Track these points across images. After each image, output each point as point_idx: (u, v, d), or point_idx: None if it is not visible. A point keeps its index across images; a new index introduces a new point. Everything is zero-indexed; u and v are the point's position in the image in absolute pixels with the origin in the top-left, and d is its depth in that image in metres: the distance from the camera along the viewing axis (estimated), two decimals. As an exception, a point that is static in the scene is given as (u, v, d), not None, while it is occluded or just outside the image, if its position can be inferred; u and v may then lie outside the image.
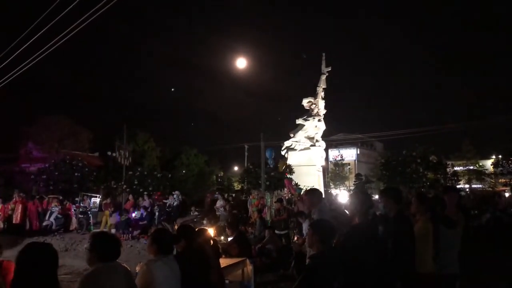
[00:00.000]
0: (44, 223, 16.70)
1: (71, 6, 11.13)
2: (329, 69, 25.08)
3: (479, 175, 34.44)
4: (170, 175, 26.45)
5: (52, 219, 16.71)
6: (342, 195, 19.80)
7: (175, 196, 18.10)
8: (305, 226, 9.32)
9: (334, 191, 27.32)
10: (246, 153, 37.44)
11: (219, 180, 39.10)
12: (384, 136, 36.24)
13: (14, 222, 16.78)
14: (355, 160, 47.75)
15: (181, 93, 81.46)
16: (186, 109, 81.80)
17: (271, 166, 20.46)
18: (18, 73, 13.85)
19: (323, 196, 6.19)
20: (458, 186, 24.13)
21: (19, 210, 16.94)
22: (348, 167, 43.64)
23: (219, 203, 17.76)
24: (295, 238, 9.60)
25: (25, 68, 13.68)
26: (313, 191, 5.26)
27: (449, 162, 27.83)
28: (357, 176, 29.96)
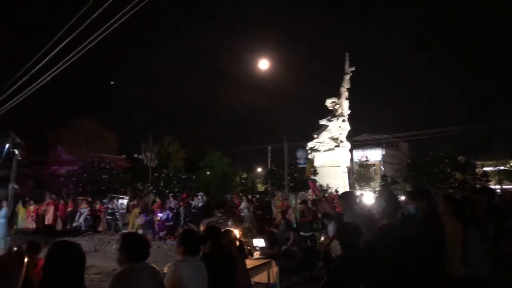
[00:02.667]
0: (74, 224, 17.16)
1: (97, 13, 11.41)
2: (353, 68, 24.85)
3: (510, 175, 33.33)
4: (194, 177, 26.72)
5: (81, 220, 17.14)
6: (368, 196, 19.54)
7: (199, 197, 18.27)
8: (330, 228, 9.26)
9: (359, 192, 26.99)
10: (269, 155, 37.40)
11: (242, 181, 39.23)
12: (410, 136, 35.51)
13: (46, 223, 17.35)
14: (380, 161, 47.05)
15: (205, 95, 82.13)
16: (210, 111, 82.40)
17: (303, 165, 20.29)
18: (48, 78, 14.28)
19: (357, 200, 6.12)
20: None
21: (51, 211, 17.51)
22: (373, 168, 43.07)
23: (243, 204, 17.82)
24: (322, 238, 9.55)
25: (55, 74, 14.10)
26: (347, 194, 5.22)
27: (478, 163, 27.08)
28: (383, 177, 29.53)
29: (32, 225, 17.61)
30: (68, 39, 12.41)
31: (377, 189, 28.33)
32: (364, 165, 39.65)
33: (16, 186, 14.38)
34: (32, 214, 17.84)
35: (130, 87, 73.60)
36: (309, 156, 23.83)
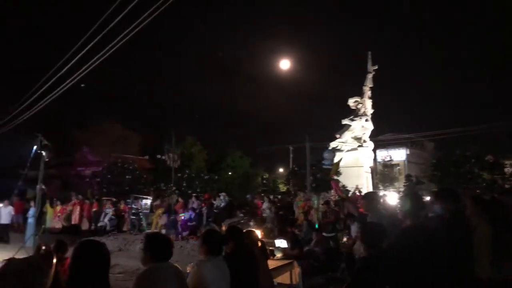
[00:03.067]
0: (99, 224, 17.50)
1: (120, 16, 11.61)
2: (376, 67, 24.54)
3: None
4: (216, 177, 26.90)
5: (106, 220, 17.47)
6: (392, 197, 19.23)
7: (221, 197, 18.36)
8: (353, 229, 9.16)
9: (383, 193, 26.61)
10: (291, 155, 37.25)
11: (264, 182, 39.21)
12: (435, 135, 34.76)
13: (72, 223, 17.77)
14: (404, 161, 46.16)
15: (227, 96, 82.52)
16: (231, 112, 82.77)
17: (329, 167, 20.09)
18: (74, 81, 14.63)
19: (381, 200, 6.03)
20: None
21: (77, 211, 17.92)
22: (398, 168, 42.35)
23: (265, 205, 17.81)
24: (345, 239, 9.46)
25: (80, 77, 14.43)
26: (370, 195, 5.15)
27: (507, 162, 26.28)
28: (407, 177, 28.98)
29: (59, 224, 18.07)
30: (93, 43, 12.71)
31: (401, 189, 27.84)
32: (388, 165, 39.04)
33: (43, 187, 14.81)
34: (58, 214, 18.30)
35: (153, 88, 74.59)
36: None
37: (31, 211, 14.84)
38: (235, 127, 71.08)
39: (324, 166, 19.88)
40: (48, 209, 18.40)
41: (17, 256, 4.67)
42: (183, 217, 16.00)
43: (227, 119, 75.81)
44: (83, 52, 13.31)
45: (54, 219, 18.26)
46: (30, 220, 14.61)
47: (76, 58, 13.73)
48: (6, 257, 3.45)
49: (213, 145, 40.30)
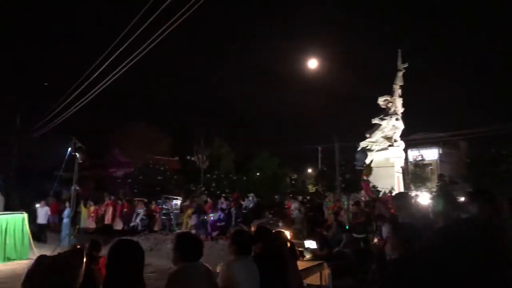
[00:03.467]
0: (131, 224, 17.89)
1: (150, 20, 11.85)
2: (406, 65, 24.05)
3: None
4: (244, 178, 26.98)
5: (138, 220, 17.84)
6: (424, 197, 18.78)
7: (250, 198, 18.43)
8: (385, 230, 8.99)
9: (414, 193, 26.01)
10: (319, 155, 36.96)
11: (292, 182, 39.03)
12: (470, 134, 33.66)
13: (105, 222, 18.25)
14: (437, 160, 44.96)
15: (254, 96, 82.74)
16: (259, 112, 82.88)
17: (361, 167, 19.81)
18: (107, 84, 15.03)
19: (412, 200, 5.89)
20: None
21: (110, 212, 18.38)
22: (430, 167, 41.30)
23: (294, 205, 17.76)
24: (376, 240, 9.30)
25: (112, 80, 14.82)
26: (401, 195, 5.05)
27: (547, 161, 25.17)
28: (440, 177, 28.21)
29: (92, 224, 18.57)
30: (124, 46, 13.02)
31: (434, 189, 27.16)
32: (420, 165, 38.13)
33: (78, 188, 15.30)
34: (92, 214, 18.81)
35: (182, 90, 75.66)
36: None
37: (66, 212, 15.33)
38: (262, 128, 71.11)
39: (357, 168, 19.57)
40: (82, 209, 18.95)
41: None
42: (212, 218, 16.15)
43: (255, 120, 75.97)
44: (114, 55, 13.68)
45: (87, 219, 18.78)
46: (65, 220, 15.10)
47: (108, 62, 14.13)
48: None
49: (241, 146, 40.53)
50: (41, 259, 2.29)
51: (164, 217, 17.95)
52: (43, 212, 16.45)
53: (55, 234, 16.00)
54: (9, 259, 12.19)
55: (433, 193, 21.14)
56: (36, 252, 12.55)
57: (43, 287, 2.15)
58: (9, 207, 19.06)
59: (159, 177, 22.56)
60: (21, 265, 11.82)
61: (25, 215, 13.22)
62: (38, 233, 15.63)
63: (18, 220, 12.84)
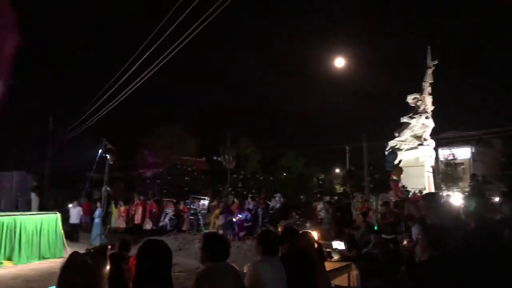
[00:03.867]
0: (160, 224, 18.17)
1: (179, 20, 12.02)
2: (436, 62, 23.51)
3: None
4: (271, 178, 26.98)
5: (166, 220, 18.10)
6: (456, 197, 18.28)
7: (276, 198, 18.40)
8: (414, 231, 8.80)
9: (446, 193, 25.38)
10: (347, 155, 36.52)
11: (320, 182, 38.74)
12: (504, 132, 32.56)
13: (135, 222, 18.60)
14: (469, 159, 43.68)
15: (280, 96, 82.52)
16: (285, 112, 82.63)
17: (391, 170, 19.50)
18: (135, 87, 15.35)
19: (443, 201, 5.75)
20: None
21: (139, 212, 18.72)
22: (462, 167, 40.19)
23: (320, 206, 17.64)
24: (405, 242, 9.10)
25: (140, 82, 15.12)
26: (431, 195, 4.95)
27: None
28: (473, 176, 27.39)
29: (122, 224, 18.96)
30: (152, 48, 13.25)
31: (466, 189, 26.39)
32: (451, 164, 37.18)
33: (108, 188, 15.66)
34: (122, 214, 19.21)
35: (208, 90, 76.35)
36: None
37: (98, 212, 15.72)
38: (289, 128, 70.90)
39: (387, 169, 19.25)
40: (113, 209, 19.39)
41: (85, 254, 4.99)
42: (239, 218, 16.22)
43: (281, 120, 75.78)
44: (143, 58, 13.97)
45: (118, 219, 19.18)
46: (97, 220, 15.48)
47: (136, 65, 14.43)
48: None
49: (267, 146, 40.47)
50: (73, 256, 2.42)
51: (192, 217, 18.14)
52: (75, 212, 16.92)
53: (86, 234, 16.44)
54: (44, 258, 12.61)
55: (465, 193, 20.57)
56: (69, 250, 12.93)
57: (76, 282, 2.31)
58: (43, 207, 19.73)
59: (186, 178, 22.86)
60: (56, 263, 12.20)
61: (59, 215, 13.65)
62: (71, 232, 16.09)
63: (52, 220, 13.27)
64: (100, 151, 12.24)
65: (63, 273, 2.33)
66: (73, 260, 2.40)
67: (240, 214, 16.46)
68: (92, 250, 3.90)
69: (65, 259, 2.44)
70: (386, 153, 23.03)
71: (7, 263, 11.60)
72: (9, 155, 22.76)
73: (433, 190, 21.34)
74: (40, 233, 12.74)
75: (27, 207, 15.97)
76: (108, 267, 3.49)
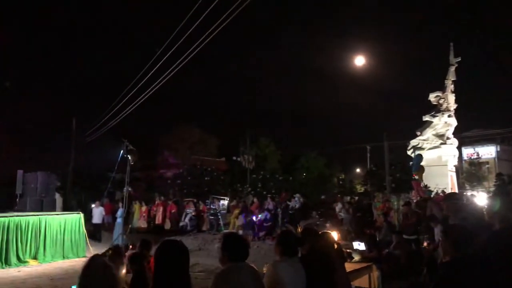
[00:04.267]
0: (180, 224, 18.34)
1: (198, 22, 12.10)
2: (459, 59, 23.04)
3: None
4: (291, 178, 26.89)
5: (187, 220, 18.26)
6: (480, 197, 17.86)
7: (296, 198, 18.33)
8: (437, 232, 8.63)
9: (470, 193, 24.83)
10: (368, 154, 36.11)
11: (340, 182, 38.39)
12: (530, 130, 31.71)
13: (156, 222, 18.82)
14: (494, 158, 42.62)
15: (300, 95, 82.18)
16: (305, 111, 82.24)
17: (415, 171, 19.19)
18: (156, 88, 15.53)
19: (465, 201, 5.64)
20: None
21: (160, 212, 18.95)
22: (487, 166, 39.25)
23: (338, 206, 17.53)
24: (425, 244, 8.95)
25: (161, 83, 15.30)
26: (453, 195, 4.86)
27: None
28: (498, 175, 26.72)
29: (144, 224, 19.21)
30: (172, 50, 13.38)
31: (491, 189, 25.74)
32: (475, 163, 36.35)
33: (130, 189, 15.88)
34: (144, 215, 19.47)
35: (227, 90, 76.67)
36: (410, 154, 22.60)
37: (120, 212, 15.94)
38: (309, 127, 70.54)
39: (413, 172, 18.97)
40: (136, 209, 19.67)
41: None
42: (259, 218, 16.23)
43: (301, 119, 75.45)
44: (162, 60, 14.13)
45: (139, 219, 19.45)
46: (119, 220, 15.69)
47: (157, 66, 14.61)
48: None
49: (287, 145, 40.38)
50: (95, 260, 2.52)
51: (212, 217, 18.25)
52: (98, 212, 17.21)
53: (109, 233, 16.71)
54: (67, 257, 12.88)
55: (490, 193, 20.08)
56: (92, 250, 13.18)
57: (96, 281, 2.42)
58: (67, 207, 20.14)
59: (206, 178, 22.99)
60: (79, 262, 12.45)
61: (81, 215, 13.92)
62: (94, 232, 16.37)
63: (75, 219, 13.54)
64: (121, 152, 12.39)
65: (85, 277, 2.43)
66: (94, 264, 2.48)
67: (259, 214, 16.47)
68: (109, 252, 3.99)
69: (86, 261, 2.52)
70: (410, 153, 22.72)
71: (32, 262, 11.90)
72: (33, 156, 23.33)
73: (456, 190, 20.94)
74: (64, 232, 13.02)
75: (51, 207, 16.28)
76: (124, 268, 3.57)
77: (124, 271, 3.37)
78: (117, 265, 2.67)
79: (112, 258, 3.39)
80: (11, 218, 11.81)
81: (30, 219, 12.23)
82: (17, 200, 16.47)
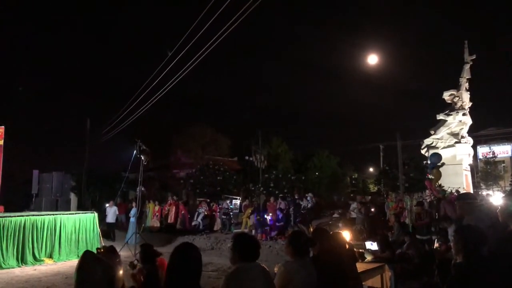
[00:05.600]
0: (193, 223, 18.45)
1: (210, 22, 12.15)
2: (474, 57, 22.72)
3: None
4: (303, 177, 26.79)
5: (199, 219, 18.36)
6: (497, 197, 17.58)
7: (308, 198, 18.27)
8: (450, 232, 8.52)
9: (485, 192, 24.45)
10: (381, 154, 35.83)
11: (353, 182, 38.18)
12: (548, 128, 31.13)
13: (169, 221, 18.96)
14: (510, 157, 41.91)
15: (313, 95, 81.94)
16: (317, 111, 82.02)
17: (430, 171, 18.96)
18: (168, 88, 15.63)
19: (480, 201, 5.56)
20: None
21: (173, 211, 19.08)
22: (503, 165, 38.62)
23: (353, 205, 17.40)
24: (437, 245, 8.84)
25: (173, 84, 15.38)
26: (467, 195, 4.80)
27: None
28: (514, 175, 26.32)
29: (157, 224, 19.37)
30: (184, 50, 13.44)
31: (507, 188, 25.35)
32: (491, 162, 35.80)
33: (143, 189, 16.01)
34: (157, 214, 19.63)
35: (240, 90, 76.82)
36: (423, 153, 22.34)
37: (133, 211, 16.11)
38: (321, 126, 70.32)
39: (429, 170, 18.74)
40: (150, 208, 19.85)
41: (121, 253, 5.14)
42: (270, 217, 16.24)
43: (314, 118, 75.28)
44: (174, 61, 14.21)
45: (152, 218, 19.61)
46: (132, 219, 15.86)
47: (169, 67, 14.70)
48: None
49: (299, 145, 40.31)
50: (85, 252, 2.63)
51: (224, 217, 18.31)
52: (111, 211, 17.41)
53: (122, 233, 16.88)
54: (82, 255, 13.04)
55: (506, 192, 19.75)
56: (106, 249, 13.34)
57: (94, 276, 2.54)
58: (81, 207, 20.39)
59: (219, 177, 23.04)
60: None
61: (96, 214, 14.09)
62: (107, 231, 16.56)
63: (89, 218, 13.72)
64: (135, 152, 12.52)
65: (80, 270, 2.54)
66: (86, 257, 2.56)
67: (271, 214, 16.44)
68: (101, 250, 4.06)
69: (79, 258, 2.62)
70: (424, 152, 22.46)
71: (48, 260, 12.10)
72: (49, 156, 23.70)
73: (471, 189, 20.67)
74: (78, 231, 13.20)
75: (66, 207, 16.52)
76: (121, 268, 3.64)
77: (121, 272, 3.40)
78: (112, 260, 2.75)
79: (106, 256, 3.44)
80: (27, 217, 12.03)
81: (45, 218, 12.42)
82: (33, 199, 16.75)
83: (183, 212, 18.95)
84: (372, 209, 16.46)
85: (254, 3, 10.86)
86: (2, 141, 14.92)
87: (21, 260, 11.52)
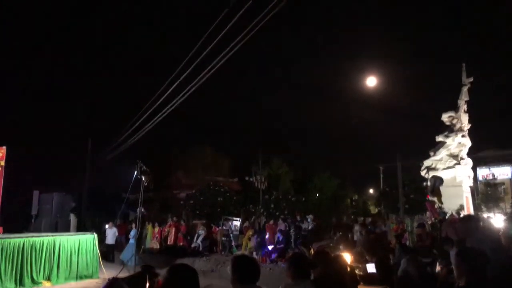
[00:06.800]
0: (192, 245, 18.28)
1: (212, 45, 12.36)
2: (471, 79, 22.99)
3: None
4: (303, 199, 26.70)
5: (199, 241, 18.20)
6: (497, 219, 17.49)
7: (309, 220, 18.17)
8: (452, 254, 8.48)
9: (486, 215, 24.34)
10: (381, 175, 35.81)
11: (353, 203, 38.03)
12: (547, 150, 31.20)
13: (168, 243, 18.80)
14: (510, 179, 41.82)
15: (313, 116, 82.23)
16: (317, 132, 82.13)
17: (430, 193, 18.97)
18: (169, 111, 15.76)
19: (481, 223, 5.57)
20: None
21: (172, 233, 18.95)
22: (503, 187, 38.51)
23: (356, 227, 17.27)
24: (439, 268, 8.78)
25: (174, 106, 15.52)
26: (468, 218, 4.82)
27: None
28: (515, 197, 26.25)
29: (156, 245, 19.19)
30: (186, 73, 13.63)
31: (508, 210, 25.22)
32: (491, 184, 35.69)
33: (143, 210, 15.93)
34: (156, 235, 19.48)
35: (239, 112, 77.19)
36: (423, 174, 22.35)
37: (133, 232, 16.00)
38: (321, 148, 70.30)
39: (428, 193, 18.76)
40: (149, 229, 19.70)
41: (120, 275, 5.12)
42: (269, 247, 16.10)
43: (313, 140, 75.33)
44: (176, 83, 14.39)
45: (152, 239, 19.46)
46: (132, 241, 15.75)
47: (170, 90, 14.87)
48: (110, 276, 3.83)
49: (299, 166, 40.24)
50: (114, 281, 2.52)
51: (224, 238, 18.17)
52: (111, 233, 17.28)
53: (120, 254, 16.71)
54: (81, 278, 12.88)
55: (507, 215, 19.66)
56: (105, 271, 13.18)
57: None
58: (81, 228, 20.27)
59: (219, 198, 22.97)
60: (93, 283, 12.47)
61: (95, 236, 13.98)
62: (106, 253, 16.40)
63: (89, 240, 13.59)
64: (135, 172, 12.51)
65: None
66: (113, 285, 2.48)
67: (271, 244, 16.22)
68: (134, 276, 3.98)
69: (104, 282, 2.52)
70: (424, 174, 22.45)
71: (46, 283, 11.91)
72: (49, 177, 23.64)
73: (472, 211, 20.59)
74: (78, 253, 13.03)
75: (66, 228, 16.44)
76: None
77: None
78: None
79: (134, 283, 3.38)
80: (26, 238, 11.89)
81: (44, 239, 12.28)
82: (33, 220, 16.67)
83: (182, 233, 18.83)
84: (377, 230, 16.35)
85: (253, 29, 11.08)
86: (3, 161, 14.92)
87: (19, 282, 11.33)
